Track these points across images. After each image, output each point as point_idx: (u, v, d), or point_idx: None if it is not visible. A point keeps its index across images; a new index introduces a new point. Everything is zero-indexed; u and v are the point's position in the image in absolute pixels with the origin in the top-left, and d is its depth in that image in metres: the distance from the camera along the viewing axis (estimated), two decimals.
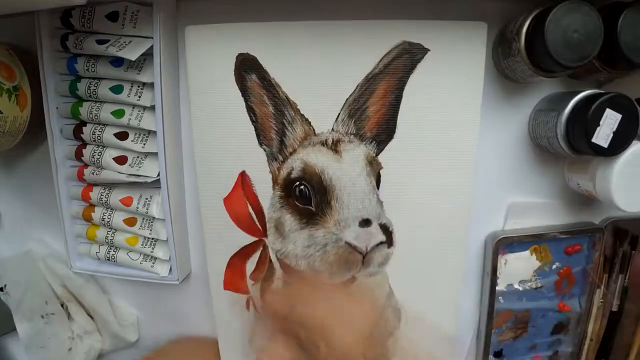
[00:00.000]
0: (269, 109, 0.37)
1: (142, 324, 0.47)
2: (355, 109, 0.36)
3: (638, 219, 0.40)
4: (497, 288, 0.41)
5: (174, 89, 0.38)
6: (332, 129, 0.37)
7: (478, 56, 0.35)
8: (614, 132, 0.32)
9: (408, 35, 0.35)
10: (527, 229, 0.40)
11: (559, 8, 0.30)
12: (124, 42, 0.35)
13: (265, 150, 0.38)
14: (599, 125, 0.32)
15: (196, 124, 0.37)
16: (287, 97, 0.36)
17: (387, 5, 0.36)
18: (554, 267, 0.41)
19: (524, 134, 0.39)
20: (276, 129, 0.37)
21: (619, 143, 0.32)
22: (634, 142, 0.33)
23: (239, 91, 0.36)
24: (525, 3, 0.34)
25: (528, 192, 0.40)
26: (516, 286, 0.41)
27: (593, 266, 0.41)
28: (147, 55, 0.36)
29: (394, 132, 0.36)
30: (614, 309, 0.42)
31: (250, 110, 0.37)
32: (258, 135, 0.37)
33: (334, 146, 0.37)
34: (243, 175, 0.38)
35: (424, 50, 0.35)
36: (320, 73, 0.36)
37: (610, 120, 0.32)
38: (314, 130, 0.37)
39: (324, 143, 0.37)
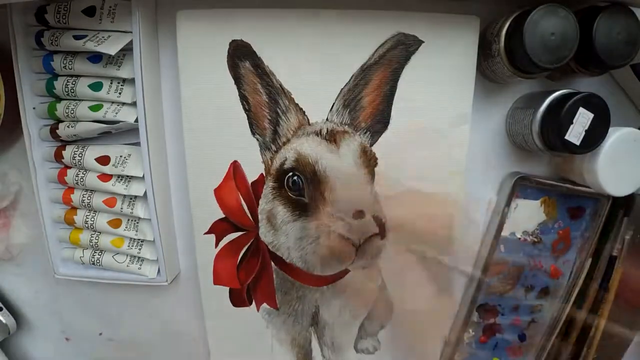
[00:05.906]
0: (263, 97, 0.36)
1: (131, 325, 0.46)
2: (350, 99, 0.36)
3: None
4: (502, 234, 0.41)
5: (155, 84, 0.38)
6: (327, 119, 0.36)
7: (470, 48, 0.35)
8: (586, 131, 0.33)
9: (403, 26, 0.35)
10: (543, 176, 0.41)
11: (537, 11, 0.31)
12: (103, 37, 0.34)
13: (258, 139, 0.37)
14: (572, 123, 0.33)
15: (186, 112, 0.36)
16: (281, 85, 0.36)
17: None
18: (556, 225, 0.41)
19: (503, 132, 0.40)
20: (270, 118, 0.36)
21: (591, 141, 0.34)
22: (611, 130, 0.34)
23: (232, 79, 0.36)
24: (506, 5, 0.34)
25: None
26: (518, 235, 0.41)
27: (590, 234, 0.41)
28: (127, 50, 0.35)
29: (388, 122, 0.36)
30: (615, 253, 0.42)
31: (243, 98, 0.36)
32: (251, 125, 0.36)
33: (329, 136, 0.36)
34: (235, 165, 0.37)
35: (418, 42, 0.35)
36: (316, 62, 0.35)
37: (582, 119, 0.33)
38: (308, 120, 0.36)
39: (318, 133, 0.36)
